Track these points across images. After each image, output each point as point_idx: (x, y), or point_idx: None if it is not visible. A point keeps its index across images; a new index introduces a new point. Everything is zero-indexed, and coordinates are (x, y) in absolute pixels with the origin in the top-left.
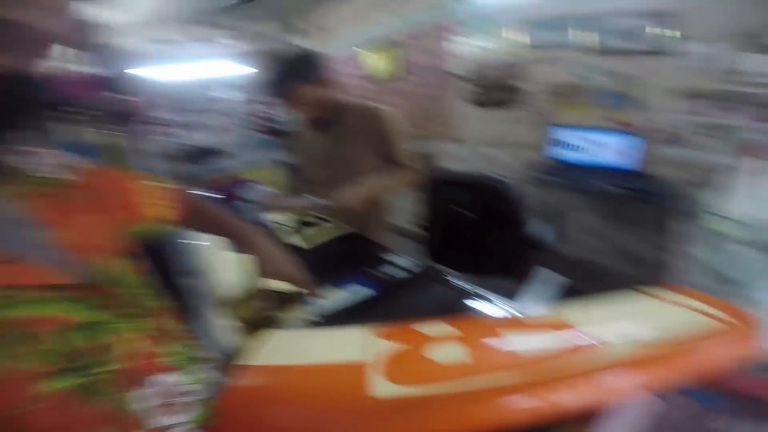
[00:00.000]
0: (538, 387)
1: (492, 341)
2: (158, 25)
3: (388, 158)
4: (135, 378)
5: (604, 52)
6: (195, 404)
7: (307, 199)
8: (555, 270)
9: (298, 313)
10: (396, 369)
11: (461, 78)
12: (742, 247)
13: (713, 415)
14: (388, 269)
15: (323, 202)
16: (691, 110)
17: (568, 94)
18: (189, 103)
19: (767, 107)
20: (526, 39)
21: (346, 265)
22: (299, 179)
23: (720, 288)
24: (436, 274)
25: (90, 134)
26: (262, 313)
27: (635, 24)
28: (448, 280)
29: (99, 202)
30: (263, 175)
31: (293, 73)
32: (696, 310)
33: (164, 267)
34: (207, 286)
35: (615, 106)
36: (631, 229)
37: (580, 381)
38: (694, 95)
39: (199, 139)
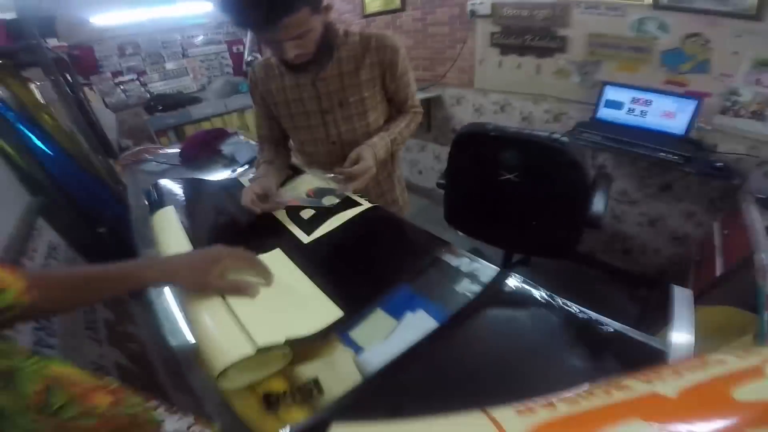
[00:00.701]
0: None
1: None
2: None
3: (393, 96)
4: None
5: (668, 6)
6: None
7: (308, 186)
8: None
9: (340, 364)
10: None
11: (482, 16)
12: None
13: None
14: (444, 272)
15: (330, 179)
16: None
17: (619, 47)
18: (155, 48)
19: None
20: None
21: (378, 267)
22: (277, 137)
23: None
24: (515, 286)
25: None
26: (291, 381)
27: None
28: (535, 295)
29: None
30: (236, 122)
31: None
32: None
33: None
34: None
35: (675, 66)
36: (680, 205)
37: None
38: None
39: (167, 85)
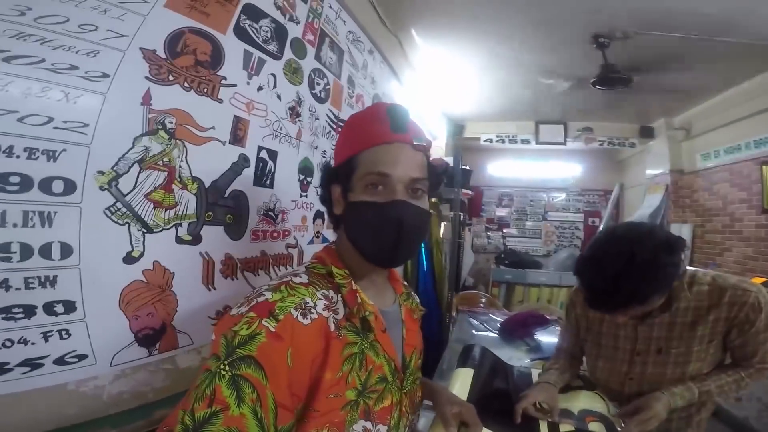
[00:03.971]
0: None
1: None
2: (505, 120)
3: (735, 350)
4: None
5: None
6: None
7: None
8: None
9: None
10: None
11: None
12: None
13: None
14: None
15: (611, 410)
16: None
17: None
18: (523, 204)
19: None
20: None
21: None
22: (576, 354)
23: None
24: None
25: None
26: None
27: None
28: None
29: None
30: (563, 296)
31: (650, 284)
32: None
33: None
34: None
35: None
36: None
37: None
38: None
39: (520, 243)
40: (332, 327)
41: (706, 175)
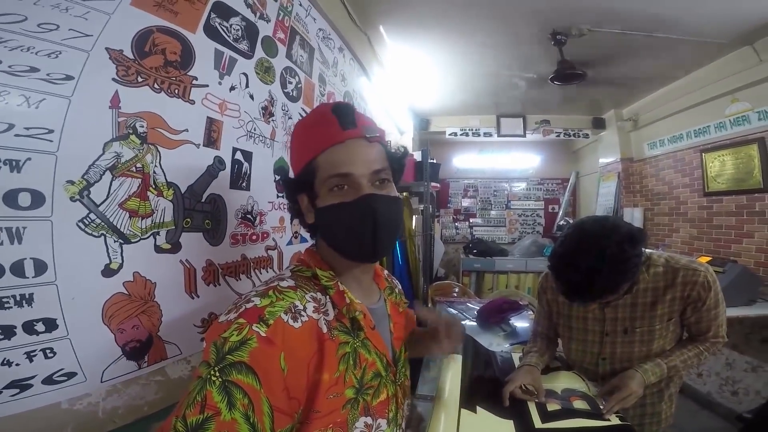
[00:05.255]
0: None
1: None
2: (468, 114)
3: (691, 326)
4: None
5: None
6: None
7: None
8: None
9: None
10: None
11: None
12: None
13: None
14: None
15: (592, 390)
16: None
17: None
18: (487, 195)
19: None
20: None
21: None
22: (552, 336)
23: None
24: None
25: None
26: None
27: None
28: None
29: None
30: (530, 282)
31: (620, 275)
32: None
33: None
34: None
35: None
36: None
37: None
38: None
39: (486, 232)
40: (324, 329)
41: (653, 162)
